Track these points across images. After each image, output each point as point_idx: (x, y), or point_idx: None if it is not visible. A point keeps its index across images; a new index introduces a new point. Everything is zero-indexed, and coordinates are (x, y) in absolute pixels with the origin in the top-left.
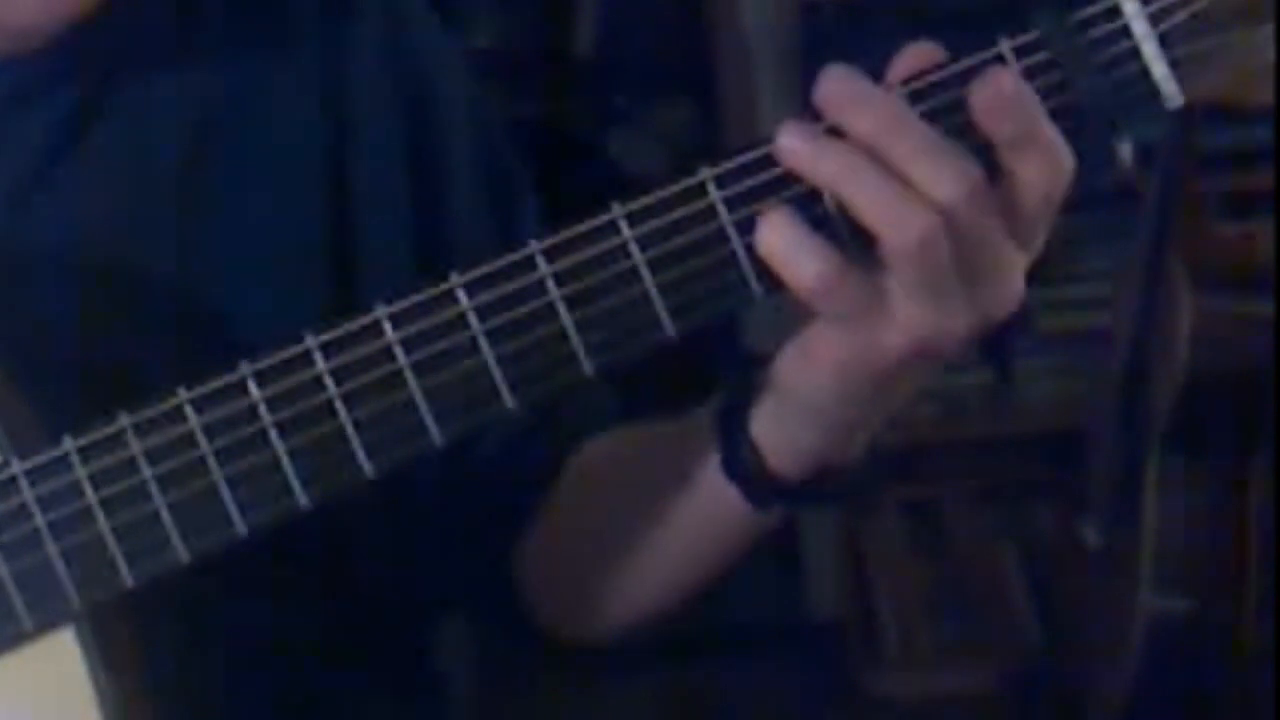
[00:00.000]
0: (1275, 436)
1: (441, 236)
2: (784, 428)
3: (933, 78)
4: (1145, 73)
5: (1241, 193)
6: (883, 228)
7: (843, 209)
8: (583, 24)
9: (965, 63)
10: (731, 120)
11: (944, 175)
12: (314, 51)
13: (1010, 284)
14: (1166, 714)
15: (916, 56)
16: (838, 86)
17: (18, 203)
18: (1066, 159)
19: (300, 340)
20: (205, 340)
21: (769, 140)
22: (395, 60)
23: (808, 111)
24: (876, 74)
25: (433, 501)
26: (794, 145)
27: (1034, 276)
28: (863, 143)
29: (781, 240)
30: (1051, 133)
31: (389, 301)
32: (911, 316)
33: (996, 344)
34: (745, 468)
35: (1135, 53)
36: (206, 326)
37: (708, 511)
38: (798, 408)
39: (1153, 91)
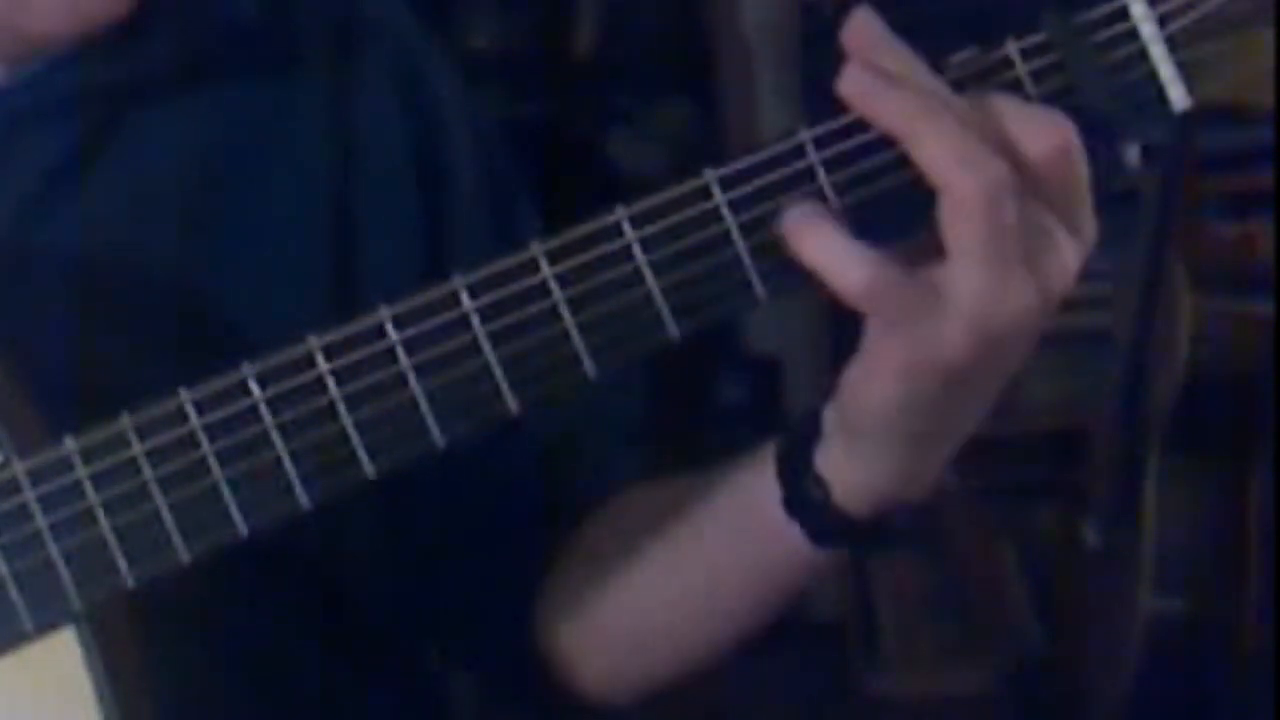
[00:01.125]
0: (1275, 436)
1: (447, 264)
2: (855, 458)
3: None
4: (1152, 76)
5: (1241, 193)
6: (951, 174)
7: (900, 165)
8: (583, 24)
9: (975, 67)
10: (731, 120)
11: (967, 170)
12: (321, 80)
13: (1060, 257)
14: (1166, 714)
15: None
16: (865, 30)
17: (27, 221)
18: (1056, 124)
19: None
20: (211, 357)
21: (773, 143)
22: (402, 90)
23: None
24: None
25: (438, 547)
26: (861, 83)
27: None
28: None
29: (826, 249)
30: (1031, 107)
31: (391, 304)
32: (968, 296)
33: None
34: (809, 504)
35: (1143, 55)
36: (210, 348)
37: (763, 554)
38: (867, 428)
39: (1160, 95)
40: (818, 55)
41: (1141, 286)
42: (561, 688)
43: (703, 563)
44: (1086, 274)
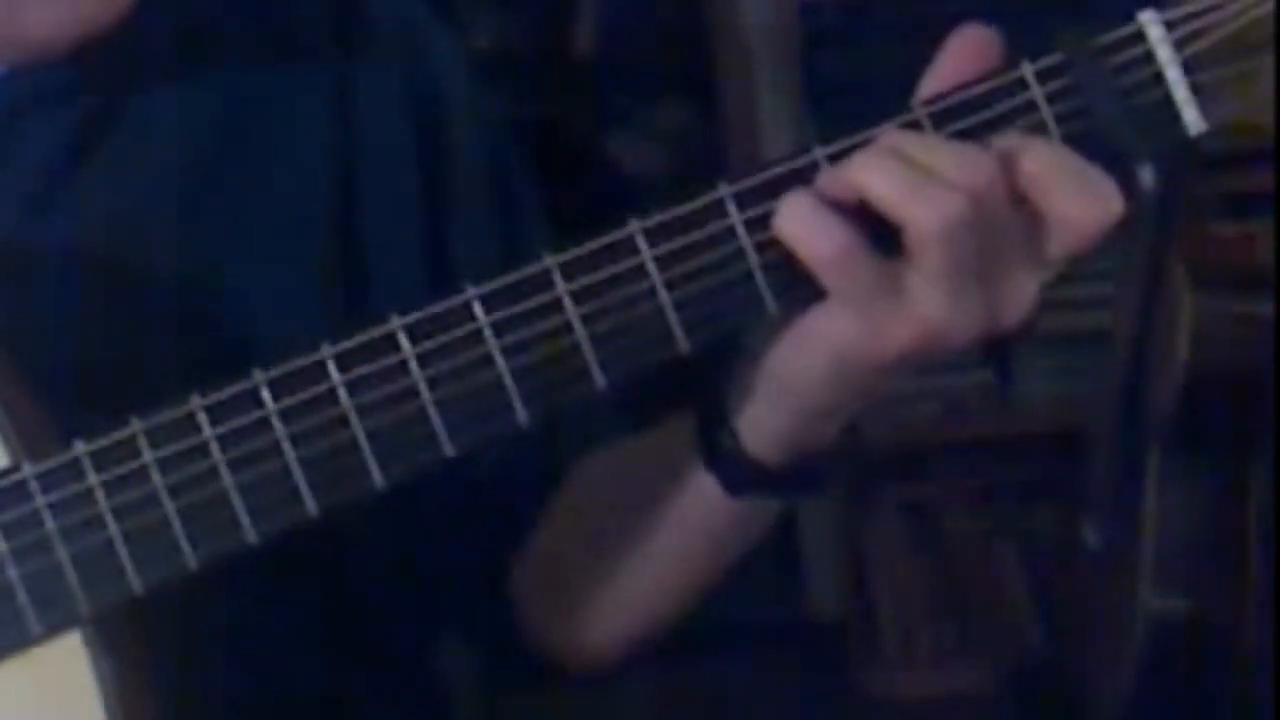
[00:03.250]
0: (1275, 436)
1: (449, 247)
2: (765, 412)
3: (955, 99)
4: (1168, 99)
5: (1241, 193)
6: (908, 209)
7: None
8: (583, 24)
9: (988, 85)
10: (731, 120)
11: (964, 161)
12: (324, 65)
13: (1024, 291)
14: (1166, 714)
15: (967, 43)
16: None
17: (27, 211)
18: (1114, 199)
19: (314, 349)
20: (213, 349)
21: (787, 159)
22: (405, 72)
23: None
24: (875, 76)
25: (433, 514)
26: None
27: None
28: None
29: (799, 218)
30: (1096, 174)
31: (402, 313)
32: (924, 307)
33: (999, 349)
34: (722, 453)
35: (1158, 78)
36: (214, 334)
37: (693, 510)
38: (784, 391)
39: (1174, 118)
40: (818, 55)
41: (1141, 286)
42: (540, 652)
43: (645, 523)
44: (1086, 274)
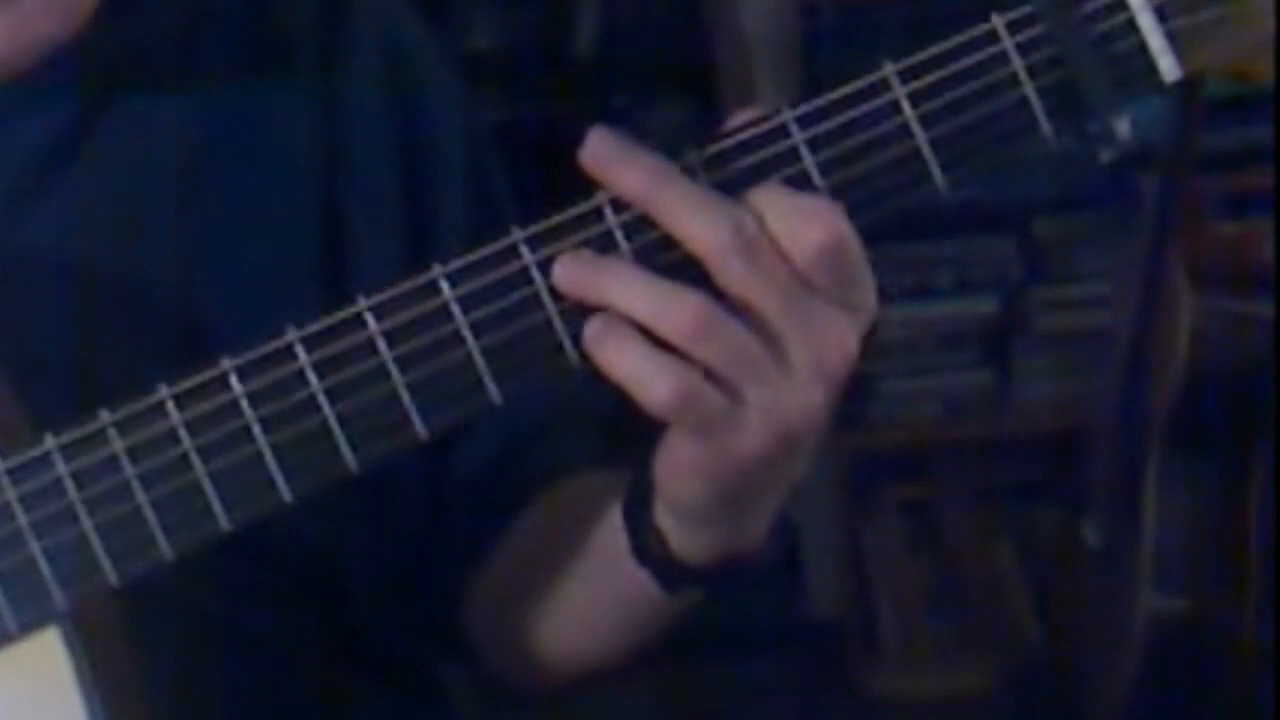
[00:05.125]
0: (1275, 436)
1: (431, 253)
2: (678, 522)
3: (926, 54)
4: (1142, 46)
5: (1241, 193)
6: (670, 333)
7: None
8: (583, 24)
9: (958, 39)
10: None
11: (711, 223)
12: (311, 71)
13: (837, 339)
14: (1166, 714)
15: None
16: (600, 146)
17: (15, 211)
18: (820, 216)
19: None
20: (200, 350)
21: (754, 122)
22: (391, 80)
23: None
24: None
25: (411, 523)
26: (600, 152)
27: (1034, 275)
28: (634, 200)
29: (629, 361)
30: (795, 197)
31: (370, 295)
32: (754, 411)
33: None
34: (653, 556)
35: (1131, 25)
36: (202, 336)
37: (626, 587)
38: (680, 509)
39: (1149, 66)
40: (818, 55)
41: (1141, 286)
42: (495, 670)
43: (576, 581)
44: (1086, 274)
